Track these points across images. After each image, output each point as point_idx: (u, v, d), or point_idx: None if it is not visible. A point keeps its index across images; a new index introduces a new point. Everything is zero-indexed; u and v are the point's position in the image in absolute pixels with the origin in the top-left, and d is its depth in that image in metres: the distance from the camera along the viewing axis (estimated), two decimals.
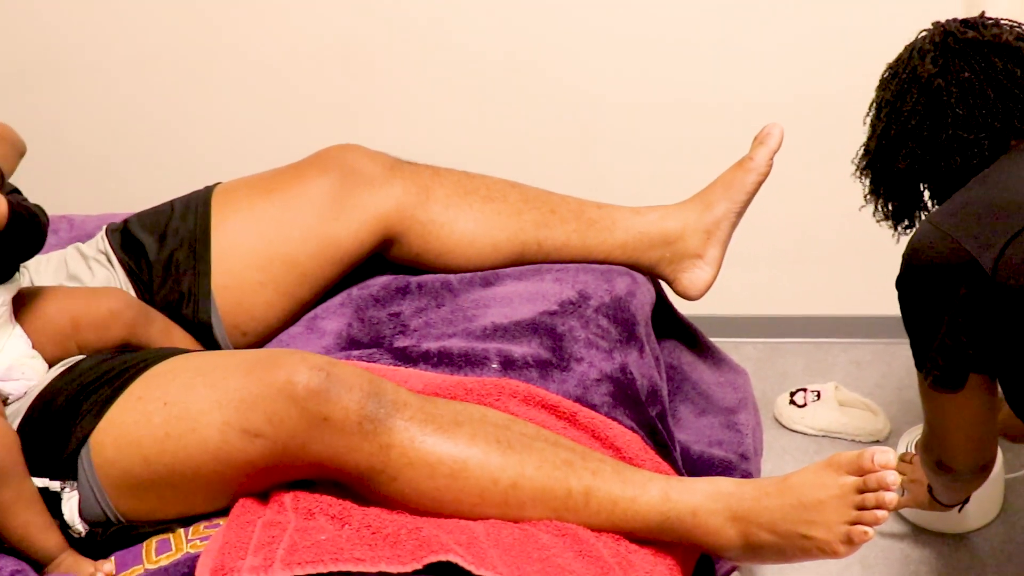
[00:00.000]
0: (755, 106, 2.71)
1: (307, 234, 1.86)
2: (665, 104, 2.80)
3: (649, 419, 1.77)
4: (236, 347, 1.88)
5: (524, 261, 1.97)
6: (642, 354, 1.86)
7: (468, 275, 1.95)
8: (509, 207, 1.96)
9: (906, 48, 1.82)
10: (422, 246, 1.94)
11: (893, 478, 1.41)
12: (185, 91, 2.87)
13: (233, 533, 1.45)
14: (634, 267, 1.98)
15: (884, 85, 1.84)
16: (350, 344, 1.86)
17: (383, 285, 1.94)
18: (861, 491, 1.42)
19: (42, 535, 1.50)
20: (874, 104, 1.86)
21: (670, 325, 2.08)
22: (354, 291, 1.94)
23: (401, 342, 1.85)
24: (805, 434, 2.65)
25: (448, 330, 1.85)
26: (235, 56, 2.85)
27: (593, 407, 1.73)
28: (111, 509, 1.54)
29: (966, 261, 1.56)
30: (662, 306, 2.06)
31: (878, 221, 1.91)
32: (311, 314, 1.91)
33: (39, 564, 1.52)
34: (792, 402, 2.67)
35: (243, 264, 1.86)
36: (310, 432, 1.46)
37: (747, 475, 1.91)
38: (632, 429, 1.71)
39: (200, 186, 1.94)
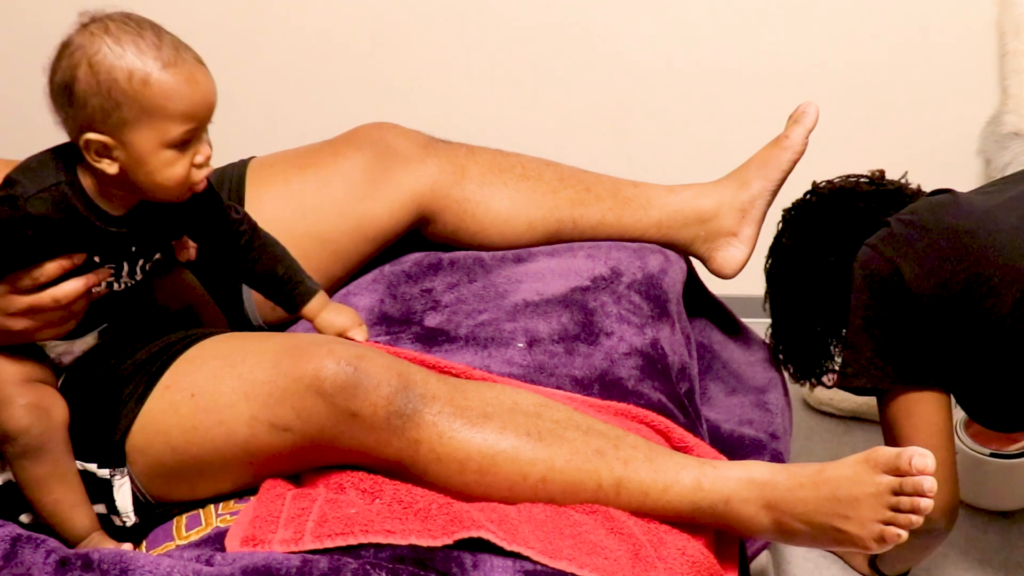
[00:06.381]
0: (790, 84, 2.70)
1: (341, 212, 1.86)
2: (699, 81, 2.79)
3: (678, 394, 1.77)
4: (265, 320, 1.88)
5: (559, 239, 1.97)
6: (673, 331, 1.86)
7: (500, 252, 1.95)
8: (544, 185, 1.95)
9: (773, 238, 2.02)
10: (457, 225, 1.94)
11: (930, 484, 1.38)
12: (221, 66, 2.87)
13: (263, 506, 1.46)
14: (669, 245, 1.98)
15: (768, 274, 2.02)
16: (382, 320, 1.86)
17: (415, 261, 1.95)
18: (896, 493, 1.40)
19: (71, 512, 1.49)
20: (768, 297, 2.04)
21: (701, 304, 2.08)
22: (386, 267, 1.95)
23: (432, 318, 1.85)
24: (833, 415, 2.64)
25: (480, 306, 1.85)
26: (271, 32, 2.85)
27: (619, 380, 1.72)
28: (143, 492, 1.54)
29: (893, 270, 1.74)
30: (693, 285, 2.05)
31: (799, 383, 2.10)
32: (343, 290, 1.91)
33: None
34: (821, 383, 2.66)
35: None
36: (338, 427, 1.45)
37: (776, 454, 1.91)
38: (660, 401, 1.72)
39: (235, 159, 1.95)
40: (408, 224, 1.92)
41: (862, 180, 1.96)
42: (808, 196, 1.96)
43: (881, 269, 1.75)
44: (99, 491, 1.52)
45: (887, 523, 1.41)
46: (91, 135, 1.36)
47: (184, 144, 1.40)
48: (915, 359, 1.75)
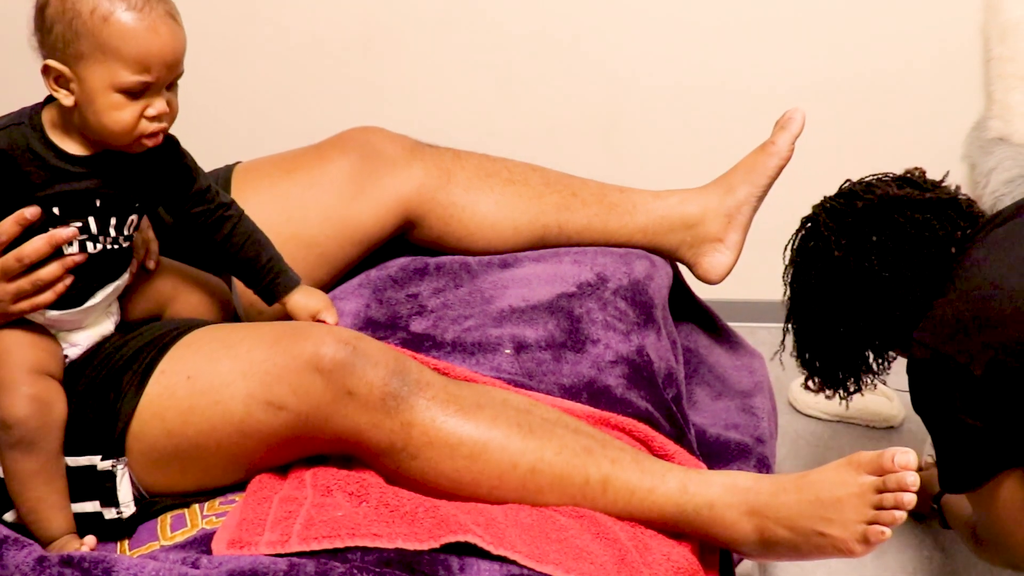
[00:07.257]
0: (777, 90, 2.71)
1: (327, 215, 1.87)
2: (687, 87, 2.80)
3: (665, 401, 1.77)
4: None
5: (545, 244, 1.98)
6: (659, 337, 1.86)
7: (487, 257, 1.96)
8: (530, 190, 1.96)
9: (801, 240, 1.88)
10: (443, 229, 1.95)
11: (912, 479, 1.40)
12: (208, 70, 2.87)
13: (250, 509, 1.46)
14: (655, 251, 1.99)
15: (799, 281, 1.89)
16: (367, 325, 1.86)
17: (401, 266, 1.95)
18: (880, 491, 1.41)
19: (50, 512, 1.48)
20: (791, 300, 1.91)
21: (687, 308, 2.09)
22: (372, 272, 1.95)
23: (418, 323, 1.85)
24: (819, 419, 2.65)
25: (465, 311, 1.85)
26: (259, 35, 2.85)
27: (607, 388, 1.73)
28: (135, 482, 1.54)
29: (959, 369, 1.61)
30: (679, 289, 2.06)
31: (827, 397, 2.00)
32: (329, 295, 1.91)
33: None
34: (806, 387, 2.66)
35: None
36: (334, 405, 1.46)
37: (762, 458, 1.91)
38: (647, 410, 1.72)
39: (221, 165, 1.95)
40: (394, 228, 1.93)
41: (898, 180, 1.85)
42: (853, 202, 1.82)
43: (947, 372, 1.63)
44: (96, 485, 1.51)
45: (871, 522, 1.42)
46: (52, 62, 1.40)
47: (136, 94, 1.41)
48: (1004, 445, 1.63)
